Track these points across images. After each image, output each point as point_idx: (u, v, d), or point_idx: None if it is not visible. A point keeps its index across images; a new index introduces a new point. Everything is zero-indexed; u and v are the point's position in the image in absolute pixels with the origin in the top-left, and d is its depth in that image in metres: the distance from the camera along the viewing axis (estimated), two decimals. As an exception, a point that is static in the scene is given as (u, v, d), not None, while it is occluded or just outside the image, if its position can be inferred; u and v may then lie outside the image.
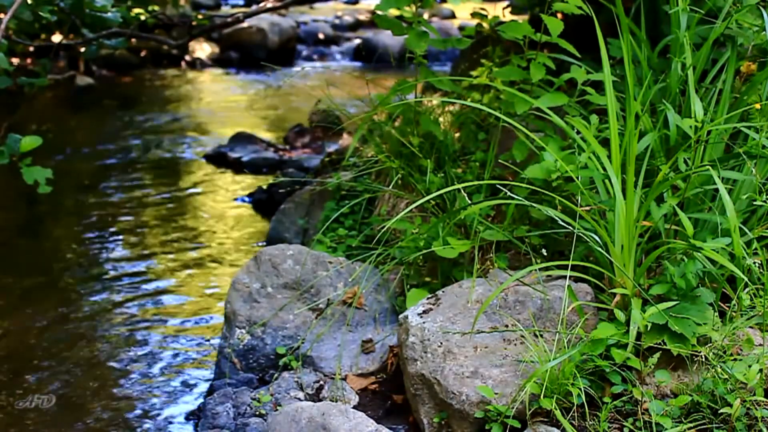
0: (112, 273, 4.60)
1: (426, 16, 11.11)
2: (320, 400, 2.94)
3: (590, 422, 2.44)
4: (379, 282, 3.31)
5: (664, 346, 2.47)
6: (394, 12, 3.74)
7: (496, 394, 2.48)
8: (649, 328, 2.50)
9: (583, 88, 3.29)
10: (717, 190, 2.63)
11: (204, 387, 3.42)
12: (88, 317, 4.09)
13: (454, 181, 3.42)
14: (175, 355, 3.76)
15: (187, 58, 10.38)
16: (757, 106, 2.91)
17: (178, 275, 4.58)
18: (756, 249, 2.63)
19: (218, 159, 6.60)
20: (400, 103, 3.68)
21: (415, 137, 3.68)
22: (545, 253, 3.00)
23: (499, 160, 3.36)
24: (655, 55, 3.40)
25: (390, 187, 3.62)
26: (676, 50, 3.13)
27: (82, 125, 7.72)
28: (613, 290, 2.65)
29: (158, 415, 3.29)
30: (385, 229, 3.17)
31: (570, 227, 2.72)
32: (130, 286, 4.44)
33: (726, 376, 2.38)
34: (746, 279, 2.51)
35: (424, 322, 2.77)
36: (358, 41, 11.31)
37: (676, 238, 2.70)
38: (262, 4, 6.63)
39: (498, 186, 2.97)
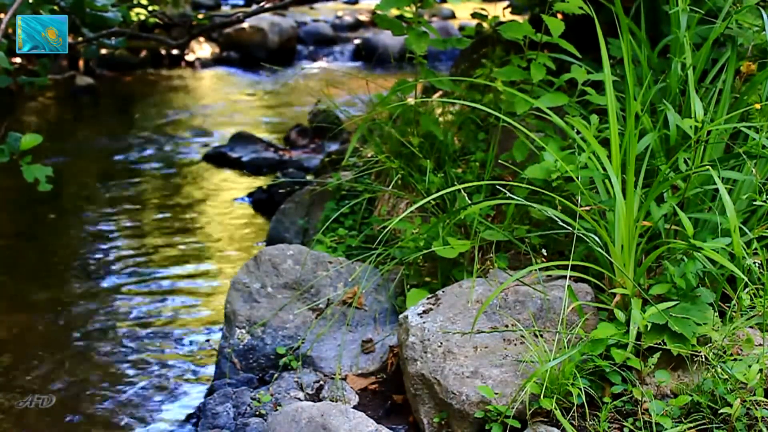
0: (112, 273, 4.60)
1: (426, 16, 11.10)
2: (320, 400, 2.93)
3: (590, 422, 2.44)
4: (379, 282, 3.31)
5: (664, 346, 2.47)
6: (394, 12, 3.74)
7: (496, 394, 2.48)
8: (649, 328, 2.50)
9: (583, 88, 3.28)
10: (717, 190, 2.63)
11: (204, 387, 3.42)
12: (88, 317, 4.09)
13: (454, 181, 3.42)
14: (175, 355, 3.76)
15: (187, 58, 10.37)
16: (757, 106, 2.91)
17: (178, 275, 4.58)
18: (756, 249, 2.63)
19: (218, 159, 6.60)
20: (400, 104, 3.68)
21: (415, 137, 3.68)
22: (545, 253, 3.00)
23: (499, 160, 3.35)
24: (655, 55, 3.39)
25: (390, 187, 3.62)
26: (676, 50, 3.13)
27: (82, 125, 7.72)
28: (613, 290, 2.65)
29: (158, 415, 3.29)
30: (385, 229, 3.16)
31: (570, 227, 2.71)
32: (130, 286, 4.44)
33: (726, 376, 2.38)
34: (746, 279, 2.51)
35: (424, 322, 2.77)
36: (358, 41, 11.29)
37: (676, 238, 2.70)
38: (262, 4, 6.63)
39: (498, 186, 2.97)
